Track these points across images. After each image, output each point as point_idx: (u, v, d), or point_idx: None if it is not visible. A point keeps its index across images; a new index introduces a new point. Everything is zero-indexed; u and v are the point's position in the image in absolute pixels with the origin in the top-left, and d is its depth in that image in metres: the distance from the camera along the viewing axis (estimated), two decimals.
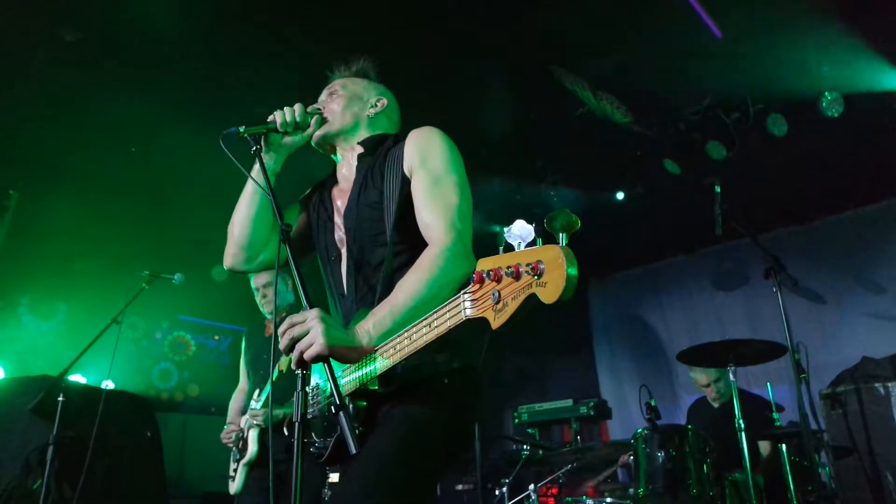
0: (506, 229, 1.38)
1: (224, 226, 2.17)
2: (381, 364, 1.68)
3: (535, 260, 1.28)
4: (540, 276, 1.27)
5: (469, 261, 1.73)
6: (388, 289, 1.79)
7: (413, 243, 1.86)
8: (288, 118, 2.01)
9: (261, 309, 4.12)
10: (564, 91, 5.19)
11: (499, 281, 1.35)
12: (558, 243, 1.29)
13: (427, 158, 1.90)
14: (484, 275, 1.38)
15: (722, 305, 7.15)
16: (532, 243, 1.34)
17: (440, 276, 1.69)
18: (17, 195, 5.80)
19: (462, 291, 1.45)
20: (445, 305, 1.50)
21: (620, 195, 6.38)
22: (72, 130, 5.17)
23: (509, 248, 1.37)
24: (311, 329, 1.58)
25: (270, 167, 2.04)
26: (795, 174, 5.93)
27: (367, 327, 1.65)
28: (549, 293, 1.25)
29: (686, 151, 5.69)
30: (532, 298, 1.29)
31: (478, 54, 4.75)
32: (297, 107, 2.06)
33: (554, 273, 1.25)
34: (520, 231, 1.37)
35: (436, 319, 1.53)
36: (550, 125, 5.67)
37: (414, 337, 1.59)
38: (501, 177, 6.42)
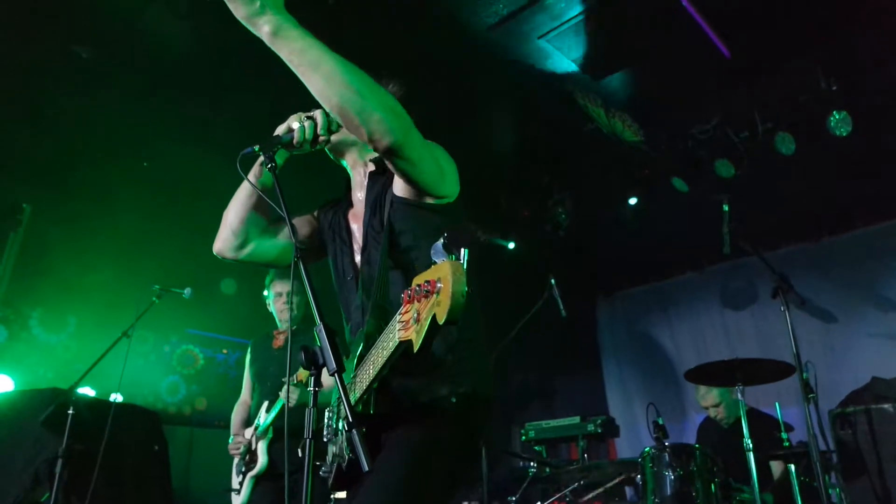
0: (433, 247, 1.36)
1: None
2: (360, 389, 1.70)
3: (436, 277, 1.27)
4: (438, 293, 1.26)
5: (395, 145, 1.67)
6: (380, 307, 1.79)
7: (406, 267, 1.87)
8: (308, 135, 1.97)
9: (275, 316, 4.12)
10: (573, 107, 5.22)
11: (419, 301, 1.33)
12: (459, 259, 1.28)
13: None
14: (412, 294, 1.36)
15: (730, 323, 7.12)
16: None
17: (362, 82, 1.66)
18: (30, 209, 5.87)
19: (397, 313, 1.44)
20: (390, 327, 1.50)
21: (633, 200, 6.30)
22: (85, 146, 5.24)
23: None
24: None
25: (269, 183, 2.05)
26: (804, 192, 5.94)
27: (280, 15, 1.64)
28: (441, 311, 1.23)
29: (694, 169, 5.71)
30: (434, 318, 1.26)
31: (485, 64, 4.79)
32: (320, 118, 2.00)
33: (444, 291, 1.23)
34: (439, 246, 1.35)
35: (384, 343, 1.55)
36: (559, 141, 5.71)
37: (375, 361, 1.61)
38: (509, 192, 6.45)
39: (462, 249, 1.30)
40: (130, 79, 4.67)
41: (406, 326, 1.37)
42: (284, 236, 2.17)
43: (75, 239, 6.01)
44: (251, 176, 2.05)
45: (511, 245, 7.13)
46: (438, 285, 1.26)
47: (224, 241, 2.13)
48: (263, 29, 1.64)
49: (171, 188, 5.63)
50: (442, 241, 1.35)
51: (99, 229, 5.91)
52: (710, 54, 4.66)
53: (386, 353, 1.53)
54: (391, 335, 1.49)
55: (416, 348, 1.33)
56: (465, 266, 1.27)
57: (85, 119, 4.98)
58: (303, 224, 2.23)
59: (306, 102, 2.20)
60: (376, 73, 2.26)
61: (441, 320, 1.23)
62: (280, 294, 4.06)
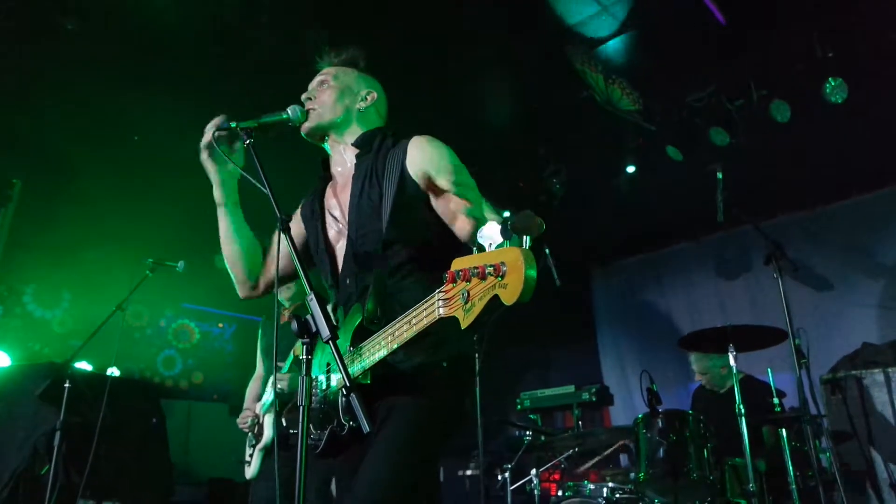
0: (478, 231, 1.43)
1: None
2: (370, 360, 1.76)
3: (499, 261, 1.33)
4: (502, 277, 1.31)
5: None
6: (382, 281, 1.86)
7: (409, 240, 1.94)
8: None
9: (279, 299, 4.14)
10: (568, 74, 5.17)
11: (468, 281, 1.39)
12: (522, 245, 1.34)
13: (441, 168, 1.96)
14: (456, 275, 1.42)
15: (724, 292, 7.17)
16: (501, 245, 1.39)
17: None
18: (20, 184, 5.84)
19: (437, 290, 1.50)
20: (422, 304, 1.57)
21: (631, 168, 6.30)
22: (74, 120, 5.19)
23: (481, 248, 1.43)
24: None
25: (241, 162, 2.08)
26: (798, 160, 5.94)
27: None
28: (509, 294, 1.30)
29: (689, 138, 5.70)
30: (496, 299, 1.33)
31: (478, 36, 4.74)
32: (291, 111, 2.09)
33: (514, 275, 1.29)
34: (490, 233, 1.41)
35: (414, 318, 1.60)
36: (553, 111, 5.67)
37: (396, 334, 1.66)
38: (503, 164, 6.43)
39: (525, 236, 1.35)
40: (119, 52, 4.61)
41: (450, 304, 1.44)
42: (285, 250, 2.20)
43: (67, 214, 5.99)
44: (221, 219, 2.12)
45: (507, 213, 7.14)
46: (503, 269, 1.31)
47: (245, 288, 2.22)
48: None
49: (163, 162, 5.58)
50: (501, 226, 1.40)
51: (91, 204, 5.87)
52: (706, 21, 4.62)
53: (419, 328, 1.59)
54: (429, 310, 1.54)
55: (463, 325, 1.41)
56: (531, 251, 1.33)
57: (74, 93, 4.92)
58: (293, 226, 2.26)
59: (294, 78, 2.20)
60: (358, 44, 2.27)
61: (509, 302, 1.30)
62: None
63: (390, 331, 1.69)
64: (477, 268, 1.37)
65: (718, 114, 5.46)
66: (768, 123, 5.29)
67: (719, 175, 4.25)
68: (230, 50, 4.62)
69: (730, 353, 3.75)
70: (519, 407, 6.18)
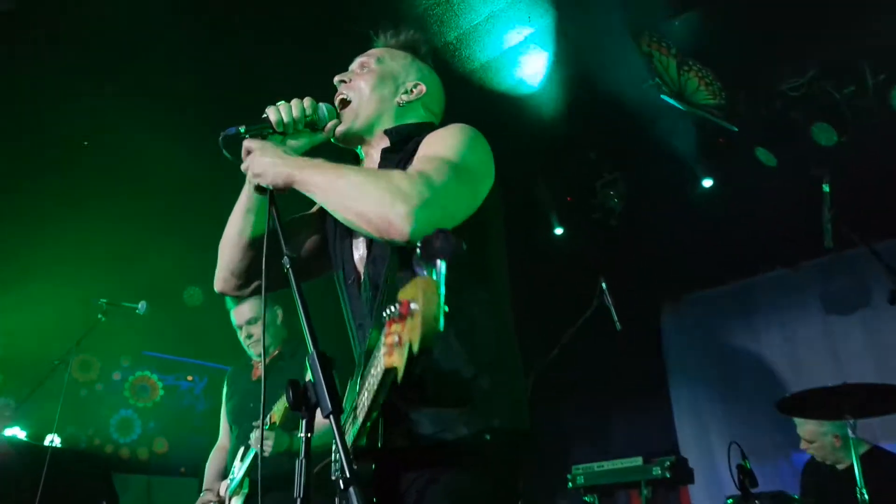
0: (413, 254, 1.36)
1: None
2: (361, 420, 1.72)
3: (409, 297, 1.28)
4: (412, 317, 1.27)
5: (410, 223, 1.70)
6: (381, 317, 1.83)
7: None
8: (285, 117, 2.03)
9: (246, 350, 4.16)
10: (629, 60, 5.17)
11: (398, 322, 1.34)
12: (432, 272, 1.28)
13: (430, 143, 1.94)
14: (390, 314, 1.38)
15: (834, 334, 7.04)
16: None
17: (368, 192, 1.77)
18: None
19: (381, 334, 1.47)
20: (377, 351, 1.53)
21: (708, 182, 6.31)
22: (20, 128, 5.28)
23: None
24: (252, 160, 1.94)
25: None
26: None
27: (299, 159, 1.94)
28: (414, 339, 1.25)
29: (784, 137, 5.64)
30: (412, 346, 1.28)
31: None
32: (307, 101, 2.08)
33: (416, 316, 1.25)
34: (417, 258, 1.33)
35: (372, 370, 1.58)
36: (610, 106, 5.66)
37: (369, 388, 1.62)
38: (548, 172, 6.44)
39: (438, 261, 1.29)
40: (61, 39, 4.71)
41: (390, 351, 1.39)
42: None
43: (3, 244, 6.05)
44: (244, 192, 2.11)
45: (559, 231, 7.09)
46: (412, 306, 1.28)
47: (224, 282, 2.27)
48: (279, 182, 1.90)
49: (121, 175, 5.64)
50: (418, 250, 1.33)
51: (31, 226, 5.94)
52: None
53: (376, 381, 1.56)
54: (378, 360, 1.52)
55: (399, 378, 1.37)
56: (441, 283, 1.27)
57: (23, 101, 5.03)
58: (302, 225, 2.28)
59: (288, 77, 2.20)
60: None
61: (414, 349, 1.26)
62: (240, 327, 4.10)
63: (366, 384, 1.65)
64: (400, 304, 1.32)
65: (822, 105, 5.41)
66: (888, 116, 5.23)
67: (826, 187, 4.18)
68: (207, 59, 4.70)
69: (847, 422, 3.66)
70: (571, 485, 6.11)
